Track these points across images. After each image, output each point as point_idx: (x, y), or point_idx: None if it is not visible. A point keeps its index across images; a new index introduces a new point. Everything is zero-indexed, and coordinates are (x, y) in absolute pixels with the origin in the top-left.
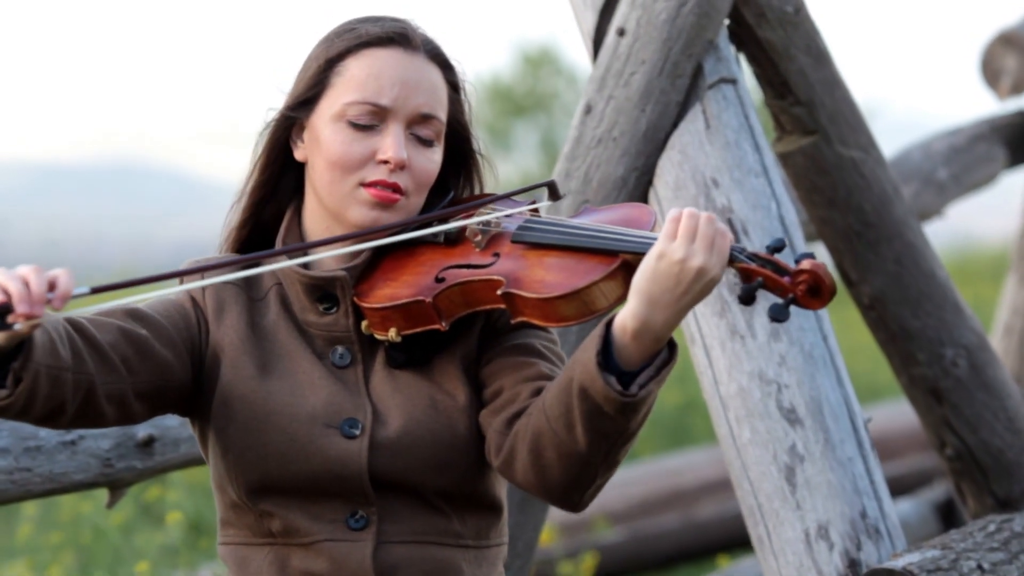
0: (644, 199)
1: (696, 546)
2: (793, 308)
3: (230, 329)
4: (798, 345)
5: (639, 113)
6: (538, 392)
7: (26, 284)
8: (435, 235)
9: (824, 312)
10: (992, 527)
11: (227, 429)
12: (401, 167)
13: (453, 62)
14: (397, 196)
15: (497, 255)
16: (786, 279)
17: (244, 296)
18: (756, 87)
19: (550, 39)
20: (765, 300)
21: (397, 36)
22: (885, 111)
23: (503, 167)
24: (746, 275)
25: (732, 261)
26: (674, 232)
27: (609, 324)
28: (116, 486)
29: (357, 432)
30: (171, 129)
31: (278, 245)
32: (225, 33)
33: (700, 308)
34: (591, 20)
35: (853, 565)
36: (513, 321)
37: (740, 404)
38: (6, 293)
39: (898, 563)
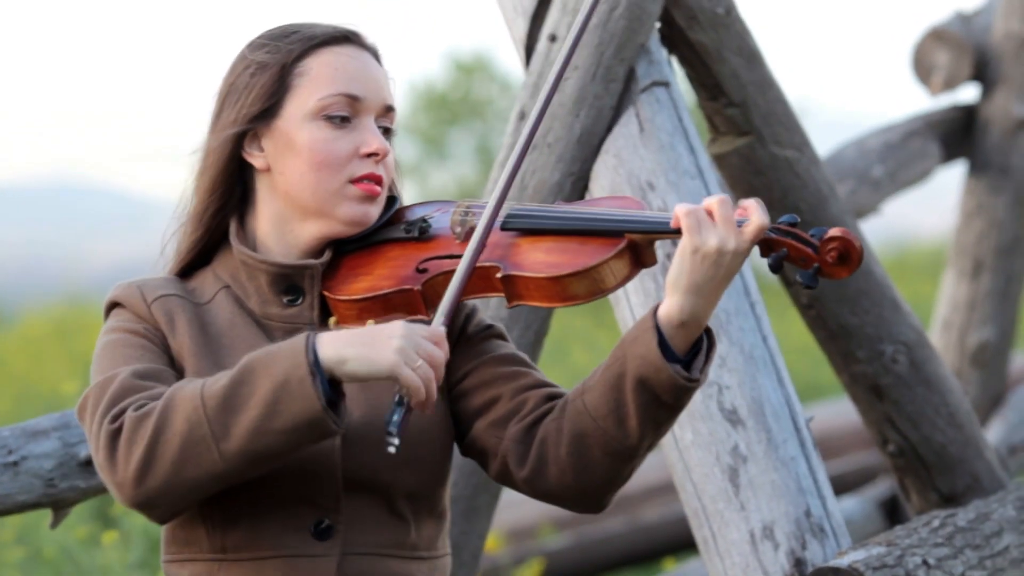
0: None
1: (642, 550)
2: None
3: (183, 337)
4: (738, 346)
5: (573, 119)
6: (548, 399)
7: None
8: (406, 231)
9: (763, 313)
10: (936, 522)
11: None
12: (382, 159)
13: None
14: (380, 188)
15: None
16: (810, 249)
17: (188, 304)
18: (689, 89)
19: (482, 46)
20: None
21: (350, 35)
22: (818, 110)
23: (439, 175)
24: (769, 246)
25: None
26: (696, 225)
27: (653, 316)
28: (60, 506)
29: None
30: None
31: (234, 254)
32: (161, 50)
33: (639, 312)
34: (523, 27)
35: (799, 564)
36: (509, 306)
37: None
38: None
39: (844, 561)
